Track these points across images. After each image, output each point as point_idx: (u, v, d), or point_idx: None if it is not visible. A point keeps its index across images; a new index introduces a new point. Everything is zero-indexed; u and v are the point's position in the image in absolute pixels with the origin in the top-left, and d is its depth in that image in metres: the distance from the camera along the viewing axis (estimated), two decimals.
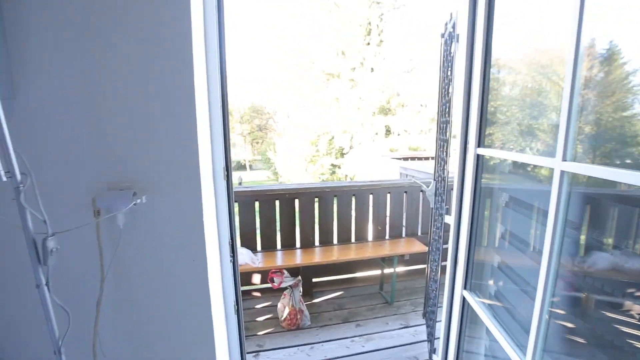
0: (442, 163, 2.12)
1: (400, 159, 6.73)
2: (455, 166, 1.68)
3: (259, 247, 2.67)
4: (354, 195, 2.69)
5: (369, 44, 21.60)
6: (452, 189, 1.71)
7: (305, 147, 24.15)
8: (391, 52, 21.72)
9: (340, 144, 24.19)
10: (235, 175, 39.53)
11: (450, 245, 1.69)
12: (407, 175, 4.38)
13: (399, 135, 22.27)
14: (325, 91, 23.06)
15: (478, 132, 1.40)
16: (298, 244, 2.73)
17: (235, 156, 58.39)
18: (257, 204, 2.56)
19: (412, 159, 6.80)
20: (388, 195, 2.79)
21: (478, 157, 1.44)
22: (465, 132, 1.48)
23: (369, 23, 21.33)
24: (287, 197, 2.55)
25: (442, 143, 2.17)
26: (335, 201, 2.67)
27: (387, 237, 2.90)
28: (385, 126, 22.37)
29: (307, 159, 24.32)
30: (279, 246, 2.71)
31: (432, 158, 7.67)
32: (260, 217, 2.60)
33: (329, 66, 24.16)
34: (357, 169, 22.91)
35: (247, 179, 38.80)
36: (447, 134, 2.04)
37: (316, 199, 2.62)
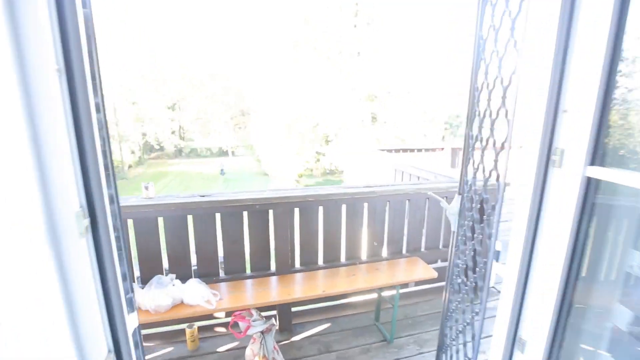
0: (474, 171, 1.50)
1: (390, 151, 6.10)
2: (505, 179, 1.08)
3: (221, 274, 2.03)
4: (344, 204, 2.08)
5: (355, 26, 20.70)
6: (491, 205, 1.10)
7: (288, 134, 23.32)
8: (380, 35, 20.94)
9: (325, 131, 23.50)
10: (217, 162, 38.23)
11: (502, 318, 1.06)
12: (403, 173, 3.78)
13: (385, 122, 21.78)
14: (312, 74, 22.11)
15: (595, 140, 0.75)
16: (273, 267, 2.10)
17: (218, 142, 56.73)
18: (218, 216, 1.93)
19: (404, 150, 6.20)
20: (387, 203, 2.21)
21: (589, 182, 0.80)
22: (552, 132, 0.84)
23: (356, 4, 20.38)
24: (258, 208, 1.91)
25: (478, 141, 1.53)
26: (320, 212, 2.06)
27: (384, 254, 2.32)
28: (372, 114, 21.82)
29: (292, 147, 23.55)
30: (248, 271, 2.08)
31: (425, 150, 7.13)
32: (223, 235, 1.95)
33: (316, 49, 23.14)
34: (343, 163, 22.35)
35: (230, 167, 37.66)
36: (493, 131, 1.39)
37: (296, 210, 2.00)
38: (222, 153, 46.83)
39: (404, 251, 2.37)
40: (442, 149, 6.26)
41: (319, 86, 22.24)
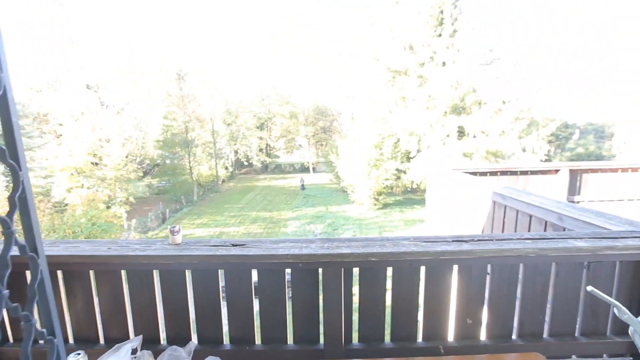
0: None
1: (485, 173, 5.06)
2: None
3: (257, 341, 1.58)
4: (423, 266, 1.47)
5: (440, 35, 19.36)
6: None
7: (368, 150, 22.82)
8: (467, 43, 19.14)
9: (406, 147, 22.32)
10: (298, 177, 39.95)
11: None
12: (506, 209, 2.89)
13: (474, 137, 19.49)
14: (391, 89, 21.41)
15: None
16: (321, 340, 1.57)
17: (300, 158, 59.74)
18: (254, 272, 1.53)
19: (503, 173, 5.06)
20: (489, 266, 1.51)
21: None
22: None
23: (441, 12, 19.09)
24: (302, 267, 1.45)
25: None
26: (389, 272, 1.50)
27: (483, 337, 1.59)
28: (459, 127, 19.82)
29: (371, 162, 22.93)
30: (290, 341, 1.59)
31: (530, 172, 5.77)
32: (258, 295, 1.53)
33: (394, 62, 22.44)
34: (425, 182, 20.64)
35: (309, 182, 39.00)
36: None
37: (355, 270, 1.47)
38: (304, 169, 49.07)
39: (514, 336, 1.60)
40: (557, 170, 4.92)
41: (401, 101, 21.31)
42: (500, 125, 18.16)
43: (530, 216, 2.56)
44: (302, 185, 36.51)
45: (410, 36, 20.32)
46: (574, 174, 5.02)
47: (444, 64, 19.28)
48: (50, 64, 21.33)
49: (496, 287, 1.57)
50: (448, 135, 19.96)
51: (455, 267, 1.54)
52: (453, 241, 1.52)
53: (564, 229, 2.20)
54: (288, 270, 1.53)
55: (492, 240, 1.53)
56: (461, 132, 20.27)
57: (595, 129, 52.32)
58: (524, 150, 18.68)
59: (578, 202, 5.11)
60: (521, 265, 1.55)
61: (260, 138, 44.27)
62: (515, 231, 2.77)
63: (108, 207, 18.32)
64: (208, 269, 1.52)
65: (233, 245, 1.53)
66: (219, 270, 1.55)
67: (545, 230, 2.41)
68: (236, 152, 42.83)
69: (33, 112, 20.52)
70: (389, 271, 1.52)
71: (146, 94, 27.10)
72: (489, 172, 5.01)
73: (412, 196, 27.55)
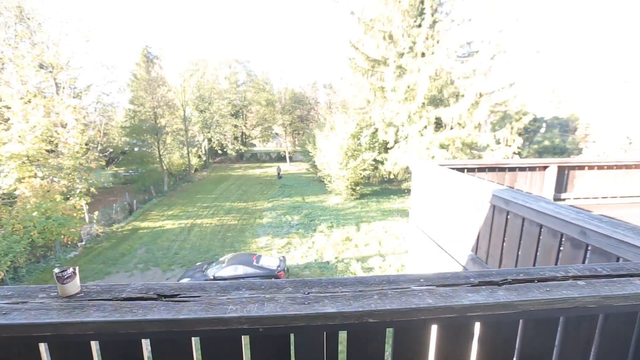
0: None
1: (472, 169, 4.76)
2: None
3: None
4: (435, 325, 1.02)
5: (420, 25, 19.05)
6: None
7: (346, 140, 22.43)
8: (446, 35, 18.97)
9: (384, 137, 22.13)
10: (274, 167, 39.14)
11: None
12: (509, 214, 2.53)
13: (452, 129, 19.59)
14: (370, 79, 20.97)
15: None
16: None
17: (276, 147, 58.56)
18: (196, 341, 1.00)
19: (491, 169, 4.77)
20: (520, 322, 1.09)
21: None
22: None
23: (421, 1, 18.73)
24: (262, 332, 0.92)
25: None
26: (389, 334, 1.04)
27: None
28: (436, 118, 19.83)
29: (348, 152, 22.60)
30: None
31: (519, 169, 5.56)
32: None
33: (373, 51, 21.97)
34: (404, 172, 20.55)
35: (286, 171, 38.29)
36: None
37: (342, 334, 0.99)
38: (281, 158, 48.15)
39: None
40: (545, 167, 4.69)
41: (379, 91, 20.96)
42: (476, 118, 18.28)
43: (541, 226, 2.20)
44: (279, 174, 35.89)
45: (390, 25, 19.87)
46: (562, 171, 4.82)
47: (423, 54, 19.05)
48: None
49: (527, 343, 1.14)
50: (426, 127, 19.93)
51: (478, 324, 1.10)
52: (480, 283, 1.07)
53: (587, 247, 1.84)
54: (245, 339, 1.03)
55: (532, 280, 1.10)
56: (438, 124, 20.30)
57: (560, 123, 55.00)
58: (497, 142, 19.01)
59: (565, 199, 4.94)
60: (561, 319, 1.12)
61: (235, 126, 42.74)
62: (521, 242, 2.42)
63: (66, 199, 16.83)
64: (118, 340, 0.99)
65: (159, 296, 1.01)
66: (142, 341, 1.02)
67: (560, 245, 2.05)
68: (210, 140, 41.13)
69: None
70: (389, 333, 1.06)
71: (110, 77, 25.02)
72: (477, 168, 4.71)
73: (389, 186, 27.65)
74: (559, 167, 4.75)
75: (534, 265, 2.30)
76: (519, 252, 2.43)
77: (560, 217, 1.95)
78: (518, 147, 18.49)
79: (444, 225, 3.79)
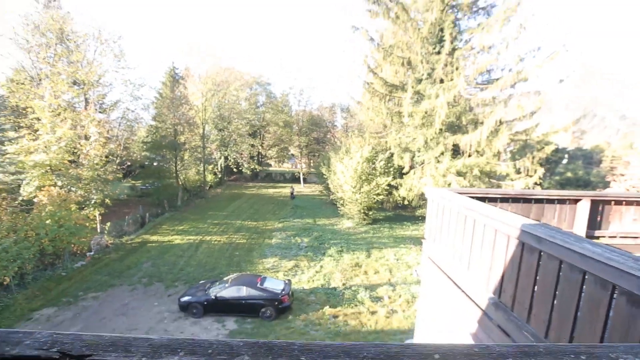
0: None
1: (495, 199, 4.35)
2: None
3: None
4: None
5: (439, 52, 19.11)
6: None
7: (360, 164, 22.17)
8: (465, 62, 18.92)
9: (399, 162, 21.77)
10: (288, 187, 39.22)
11: None
12: (541, 254, 2.15)
13: (469, 156, 19.04)
14: (387, 104, 20.94)
15: None
16: None
17: (291, 167, 58.89)
18: None
19: (515, 200, 4.36)
20: None
21: None
22: None
23: (441, 29, 18.86)
24: None
25: None
26: None
27: None
28: (454, 145, 19.40)
29: (363, 176, 22.27)
30: None
31: (547, 201, 5.08)
32: None
33: (391, 77, 22.09)
34: (419, 198, 19.93)
35: (299, 192, 38.15)
36: None
37: None
38: (295, 179, 48.21)
39: None
40: (577, 200, 4.24)
41: (396, 116, 20.84)
42: (495, 146, 17.74)
43: (585, 273, 1.81)
44: (292, 194, 35.84)
45: (409, 52, 20.03)
46: (596, 205, 4.34)
47: (441, 81, 18.95)
48: (35, 56, 20.32)
49: None
50: (442, 153, 19.49)
51: None
52: None
53: None
54: None
55: None
56: (456, 151, 19.83)
57: (584, 155, 53.12)
58: (518, 171, 18.29)
59: (599, 237, 4.42)
60: None
61: (252, 145, 43.36)
62: (557, 290, 2.01)
63: (81, 209, 17.09)
64: None
65: (64, 355, 0.72)
66: None
67: (612, 299, 1.65)
68: (226, 158, 41.76)
69: (12, 106, 19.35)
70: None
71: (136, 94, 26.11)
72: (500, 198, 4.30)
73: (403, 212, 26.89)
74: (592, 200, 4.28)
75: (574, 323, 1.88)
76: (555, 302, 2.02)
77: (613, 264, 1.57)
78: (539, 178, 17.68)
79: (462, 261, 3.37)
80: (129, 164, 22.98)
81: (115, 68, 23.97)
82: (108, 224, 19.28)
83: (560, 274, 1.98)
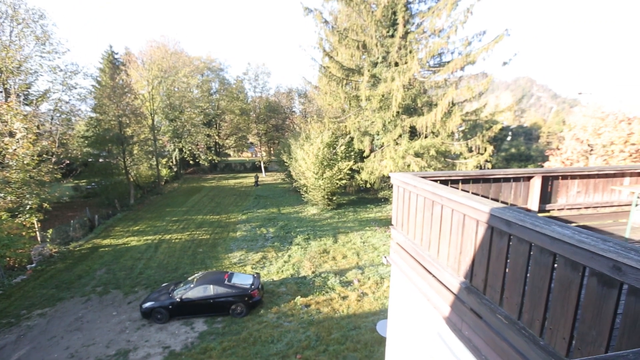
0: None
1: (457, 181, 4.48)
2: None
3: None
4: None
5: (392, 35, 19.30)
6: None
7: (321, 150, 22.11)
8: (418, 45, 19.35)
9: (359, 146, 22.04)
10: (251, 178, 38.41)
11: None
12: (511, 238, 2.18)
13: (426, 137, 19.80)
14: (344, 88, 20.89)
15: None
16: None
17: (251, 157, 57.39)
18: None
19: (475, 180, 4.51)
20: None
21: None
22: None
23: (394, 13, 19.00)
24: None
25: None
26: None
27: None
28: (411, 127, 20.02)
29: (324, 162, 22.28)
30: None
31: (504, 180, 5.35)
32: None
33: (347, 61, 22.01)
34: (380, 181, 20.44)
35: (262, 182, 37.40)
36: None
37: None
38: (256, 168, 47.05)
39: None
40: (530, 177, 4.48)
41: (354, 100, 20.91)
42: (449, 127, 18.56)
43: (555, 255, 1.84)
44: (257, 182, 35.50)
45: (363, 35, 20.01)
46: (546, 181, 4.64)
47: (396, 64, 19.25)
48: None
49: None
50: (401, 135, 20.04)
51: None
52: None
53: (622, 285, 1.48)
54: None
55: None
56: (413, 133, 20.49)
57: (524, 132, 57.99)
58: (470, 150, 19.40)
59: (549, 210, 4.75)
60: None
61: (208, 135, 41.35)
62: (528, 273, 2.05)
63: (14, 216, 15.17)
64: None
65: None
66: None
67: (582, 281, 1.69)
68: (181, 150, 39.47)
69: None
70: None
71: (69, 83, 23.33)
72: (461, 180, 4.42)
73: (366, 195, 27.56)
74: (543, 177, 4.57)
75: (546, 305, 1.93)
76: (526, 285, 2.07)
77: (583, 246, 1.60)
78: (489, 155, 18.92)
79: (431, 246, 3.41)
80: (68, 162, 20.70)
81: (40, 53, 21.14)
82: (50, 230, 17.39)
83: (531, 257, 2.02)
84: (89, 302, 11.54)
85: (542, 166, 23.38)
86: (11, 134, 16.63)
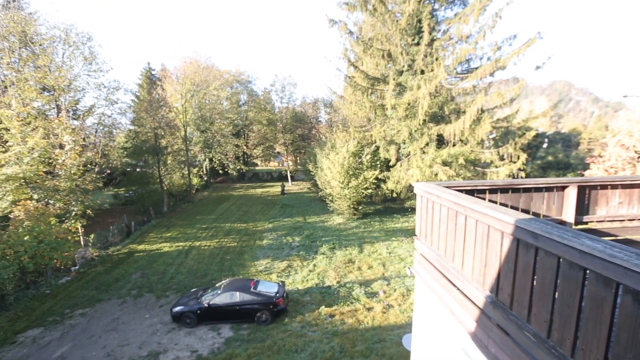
0: None
1: (483, 191, 4.35)
2: None
3: None
4: None
5: (418, 43, 19.13)
6: None
7: (347, 159, 22.13)
8: (444, 52, 19.02)
9: (385, 155, 21.82)
10: (278, 187, 39.34)
11: None
12: (538, 251, 2.10)
13: (454, 145, 19.25)
14: (369, 97, 20.89)
15: None
16: None
17: (278, 166, 58.44)
18: None
19: (503, 190, 4.36)
20: None
21: None
22: None
23: (419, 21, 18.87)
24: None
25: None
26: None
27: None
28: (438, 135, 19.56)
29: (350, 171, 22.24)
30: None
31: (535, 189, 5.10)
32: None
33: (372, 70, 22.03)
34: (408, 190, 20.02)
35: (288, 191, 37.92)
36: None
37: None
38: (282, 177, 47.83)
39: None
40: (564, 187, 4.26)
41: (379, 109, 20.83)
42: (478, 134, 17.97)
43: (586, 271, 1.75)
44: (283, 191, 36.40)
45: (388, 44, 20.02)
46: (583, 191, 4.38)
47: (422, 72, 19.03)
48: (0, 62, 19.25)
49: None
50: (427, 144, 19.65)
51: None
52: None
53: None
54: None
55: None
56: (440, 141, 20.03)
57: (562, 138, 54.70)
58: (501, 158, 18.62)
59: (587, 222, 4.46)
60: None
61: (237, 146, 42.71)
62: (557, 288, 1.96)
63: (61, 222, 16.42)
64: None
65: None
66: None
67: (616, 299, 1.59)
68: (211, 159, 41.00)
69: None
70: None
71: (112, 98, 25.18)
72: (488, 190, 4.28)
73: (392, 205, 27.09)
74: (579, 186, 4.31)
75: (577, 323, 1.83)
76: (556, 302, 1.97)
77: (616, 261, 1.51)
78: (523, 163, 18.04)
79: (455, 257, 3.32)
80: (109, 171, 22.19)
81: (87, 71, 23.03)
82: (92, 235, 18.63)
83: (560, 271, 1.92)
84: (125, 304, 12.17)
85: (583, 175, 21.90)
86: (61, 146, 18.15)
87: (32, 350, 9.60)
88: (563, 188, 4.35)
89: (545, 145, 48.38)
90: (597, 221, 4.44)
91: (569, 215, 4.33)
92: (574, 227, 4.30)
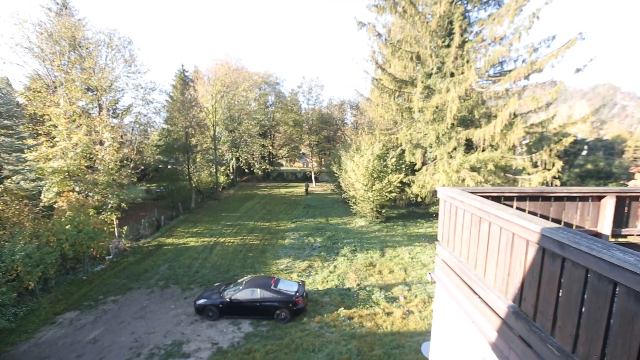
0: None
1: (511, 198, 4.21)
2: None
3: None
4: None
5: (448, 45, 18.66)
6: None
7: (371, 162, 21.97)
8: (476, 54, 18.42)
9: (411, 159, 21.44)
10: (302, 187, 39.89)
11: None
12: (564, 262, 2.01)
13: (483, 150, 18.57)
14: (396, 100, 20.63)
15: None
16: None
17: (303, 167, 58.93)
18: None
19: (533, 198, 4.19)
20: None
21: None
22: None
23: (450, 22, 18.41)
24: None
25: None
26: None
27: None
28: (467, 140, 18.95)
29: (374, 174, 22.06)
30: None
31: (568, 198, 4.84)
32: None
33: (400, 72, 21.74)
34: (431, 194, 19.55)
35: (312, 192, 38.19)
36: None
37: None
38: (306, 178, 48.24)
39: None
40: (600, 197, 4.03)
41: (406, 112, 20.51)
42: (510, 139, 17.22)
43: (616, 284, 1.67)
44: (307, 190, 37.10)
45: (417, 46, 19.68)
46: (622, 202, 4.11)
47: (452, 74, 18.53)
48: (50, 64, 20.91)
49: None
50: (455, 148, 19.09)
51: None
52: None
53: None
54: None
55: None
56: (469, 146, 19.40)
57: (604, 146, 51.00)
58: (534, 165, 17.73)
59: (626, 236, 4.19)
60: None
61: (263, 146, 43.56)
62: (584, 301, 1.88)
63: (98, 213, 17.52)
64: None
65: None
66: None
67: None
68: (238, 159, 42.11)
69: (30, 114, 20.02)
70: None
71: (147, 98, 26.56)
72: (516, 197, 4.13)
73: (416, 209, 26.55)
74: (617, 197, 4.05)
75: (605, 339, 1.74)
76: (583, 315, 1.88)
77: None
78: (558, 171, 17.07)
79: (478, 265, 3.23)
80: (143, 167, 23.41)
81: (127, 73, 24.43)
82: (125, 227, 19.72)
83: (587, 284, 1.84)
84: (152, 294, 12.77)
85: (627, 185, 20.35)
86: (101, 143, 19.38)
87: (69, 331, 10.31)
88: (599, 198, 4.11)
89: (584, 153, 45.43)
90: (637, 234, 4.15)
91: (605, 227, 4.08)
92: (610, 239, 4.05)
